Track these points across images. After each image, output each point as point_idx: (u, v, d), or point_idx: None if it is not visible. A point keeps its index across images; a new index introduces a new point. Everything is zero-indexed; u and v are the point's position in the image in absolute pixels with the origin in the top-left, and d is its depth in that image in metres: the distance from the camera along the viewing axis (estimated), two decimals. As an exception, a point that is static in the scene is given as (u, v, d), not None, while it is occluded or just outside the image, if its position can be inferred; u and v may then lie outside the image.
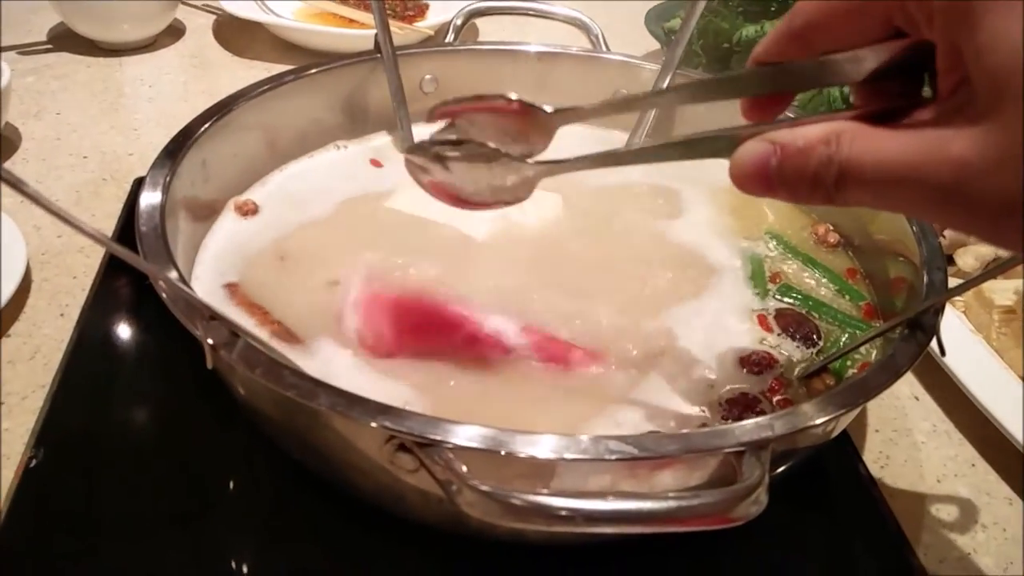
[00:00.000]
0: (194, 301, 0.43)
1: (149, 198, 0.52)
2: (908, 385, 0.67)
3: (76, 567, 0.49)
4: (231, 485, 0.55)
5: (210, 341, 0.42)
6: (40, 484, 0.53)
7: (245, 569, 0.51)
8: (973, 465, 0.61)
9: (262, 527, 0.53)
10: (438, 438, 0.38)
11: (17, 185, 0.31)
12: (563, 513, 0.35)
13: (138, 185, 0.54)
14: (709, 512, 0.36)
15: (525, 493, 0.35)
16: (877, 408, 0.64)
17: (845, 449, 0.60)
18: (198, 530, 0.52)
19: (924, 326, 0.48)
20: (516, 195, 0.43)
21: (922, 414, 0.64)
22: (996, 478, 0.60)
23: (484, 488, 0.36)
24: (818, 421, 0.41)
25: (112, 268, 0.71)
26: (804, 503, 0.57)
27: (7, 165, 0.84)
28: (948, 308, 0.69)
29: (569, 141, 0.43)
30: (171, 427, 0.58)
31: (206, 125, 0.59)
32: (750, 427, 0.40)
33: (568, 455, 0.38)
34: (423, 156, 0.44)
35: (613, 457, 0.39)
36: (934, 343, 0.48)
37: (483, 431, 0.39)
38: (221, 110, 0.61)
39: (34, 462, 0.54)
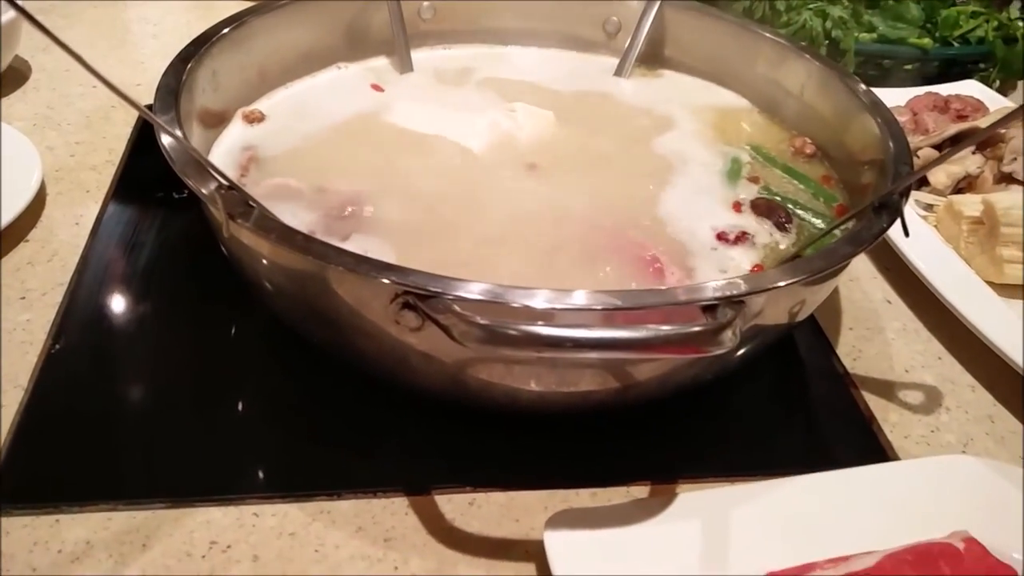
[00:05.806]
0: (213, 172, 0.46)
1: (167, 85, 0.55)
2: (881, 290, 0.71)
3: (91, 439, 0.53)
4: (239, 364, 0.59)
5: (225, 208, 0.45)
6: (60, 367, 0.57)
7: (253, 438, 0.54)
8: (940, 358, 0.64)
9: (268, 402, 0.57)
10: (440, 290, 0.42)
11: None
12: (552, 338, 0.39)
13: (148, 108, 0.57)
14: (682, 341, 0.39)
15: (519, 323, 0.39)
16: (851, 309, 0.68)
17: (819, 343, 0.64)
18: (207, 405, 0.56)
19: (889, 207, 0.51)
20: None
21: (894, 315, 0.68)
22: (961, 369, 0.64)
23: (482, 321, 0.39)
24: (782, 283, 0.45)
25: (123, 183, 0.75)
26: (780, 390, 0.61)
27: (18, 93, 0.87)
28: (921, 222, 0.73)
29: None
30: (179, 317, 0.62)
31: (222, 32, 0.62)
32: (723, 283, 0.44)
33: (559, 305, 0.42)
34: None
35: (599, 307, 0.42)
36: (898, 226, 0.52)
37: (483, 285, 0.42)
38: (233, 23, 0.64)
39: (56, 348, 0.58)
